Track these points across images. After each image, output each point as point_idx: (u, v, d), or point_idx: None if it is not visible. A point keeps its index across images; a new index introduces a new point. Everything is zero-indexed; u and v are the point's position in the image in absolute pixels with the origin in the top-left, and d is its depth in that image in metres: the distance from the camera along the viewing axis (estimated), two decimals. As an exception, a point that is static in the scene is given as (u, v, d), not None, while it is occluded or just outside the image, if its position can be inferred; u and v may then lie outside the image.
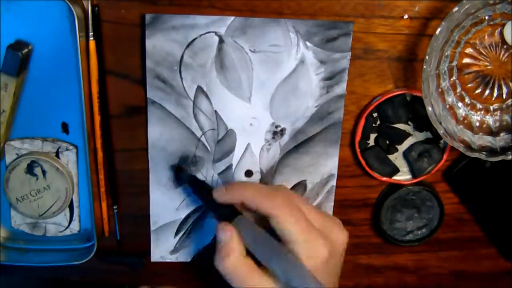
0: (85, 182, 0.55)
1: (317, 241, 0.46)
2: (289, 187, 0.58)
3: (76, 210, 0.58)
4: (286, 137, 0.56)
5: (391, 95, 0.54)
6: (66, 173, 0.56)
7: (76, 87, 0.51)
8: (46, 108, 0.54)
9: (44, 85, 0.53)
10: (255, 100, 0.54)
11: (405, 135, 0.57)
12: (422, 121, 0.56)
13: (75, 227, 0.59)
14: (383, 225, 0.60)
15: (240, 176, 0.57)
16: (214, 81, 0.53)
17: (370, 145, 0.57)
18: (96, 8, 0.50)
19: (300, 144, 0.56)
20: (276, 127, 0.55)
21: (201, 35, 0.52)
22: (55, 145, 0.55)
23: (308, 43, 0.52)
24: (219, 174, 0.57)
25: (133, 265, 0.60)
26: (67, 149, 0.56)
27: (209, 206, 0.53)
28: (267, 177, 0.57)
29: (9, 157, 0.56)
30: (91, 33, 0.51)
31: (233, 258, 0.45)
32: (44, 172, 0.56)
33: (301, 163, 0.57)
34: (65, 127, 0.55)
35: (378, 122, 0.56)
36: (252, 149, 0.56)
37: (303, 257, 0.45)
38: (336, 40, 0.52)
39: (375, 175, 0.57)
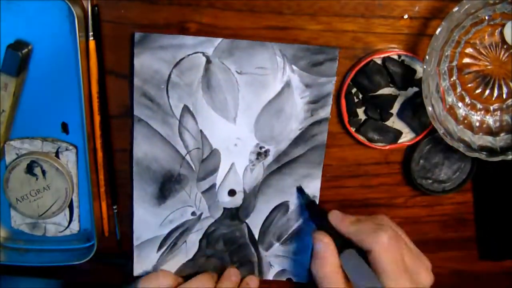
0: (85, 182, 0.55)
1: (405, 284, 0.49)
2: (272, 207, 0.58)
3: (76, 210, 0.58)
4: (270, 158, 0.56)
5: (359, 66, 0.53)
6: (66, 173, 0.56)
7: (76, 87, 0.51)
8: (46, 108, 0.54)
9: (44, 85, 0.53)
10: (240, 121, 0.55)
11: (391, 98, 0.55)
12: (402, 79, 0.54)
13: (75, 227, 0.59)
14: None
15: (223, 195, 0.57)
16: (200, 101, 0.54)
17: (362, 120, 0.56)
18: (96, 8, 0.50)
19: (283, 166, 0.57)
20: (260, 148, 0.56)
21: (188, 55, 0.52)
22: (55, 145, 0.55)
23: (294, 67, 0.53)
24: (202, 192, 0.57)
25: (133, 265, 0.60)
26: (67, 149, 0.56)
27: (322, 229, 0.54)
28: (250, 197, 0.57)
29: (9, 157, 0.56)
30: (91, 33, 0.51)
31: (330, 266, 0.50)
32: (44, 172, 0.56)
33: (284, 184, 0.57)
34: (65, 127, 0.55)
35: (361, 96, 0.55)
36: (236, 169, 0.56)
37: None
38: (322, 64, 0.53)
39: (379, 146, 0.56)
